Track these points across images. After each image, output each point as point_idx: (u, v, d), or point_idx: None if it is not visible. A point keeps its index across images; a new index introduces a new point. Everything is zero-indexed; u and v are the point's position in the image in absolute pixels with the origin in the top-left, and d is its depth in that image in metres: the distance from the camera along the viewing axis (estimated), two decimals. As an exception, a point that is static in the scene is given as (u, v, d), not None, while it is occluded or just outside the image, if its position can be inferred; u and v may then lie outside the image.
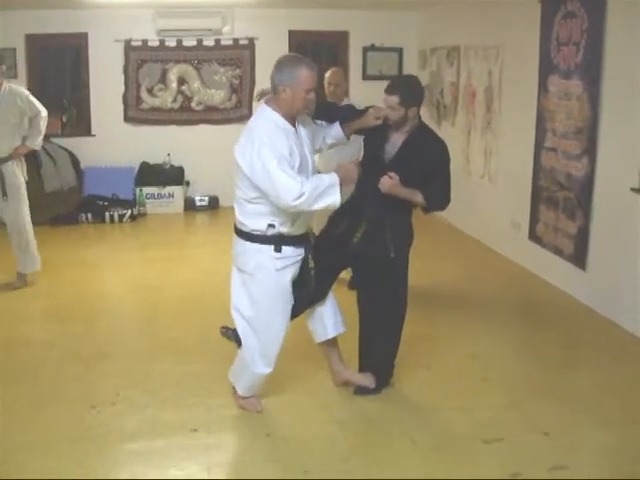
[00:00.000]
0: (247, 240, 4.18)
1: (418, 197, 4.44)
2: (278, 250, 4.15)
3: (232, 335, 4.58)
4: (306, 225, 4.31)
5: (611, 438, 4.24)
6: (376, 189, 4.40)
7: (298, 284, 4.33)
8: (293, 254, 4.23)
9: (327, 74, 6.64)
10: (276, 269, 4.18)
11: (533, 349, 5.66)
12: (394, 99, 4.37)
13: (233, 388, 4.60)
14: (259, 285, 4.21)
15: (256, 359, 4.32)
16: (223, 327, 4.73)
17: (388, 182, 4.36)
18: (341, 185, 4.04)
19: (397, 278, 4.59)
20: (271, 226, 4.10)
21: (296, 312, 4.45)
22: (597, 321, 6.16)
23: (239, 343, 4.44)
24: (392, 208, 4.47)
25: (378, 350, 4.71)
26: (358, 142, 5.20)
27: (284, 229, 4.13)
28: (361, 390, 4.71)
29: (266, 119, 4.07)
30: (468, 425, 4.37)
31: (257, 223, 4.11)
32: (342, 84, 6.74)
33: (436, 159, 4.53)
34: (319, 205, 3.99)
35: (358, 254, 4.54)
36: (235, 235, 4.28)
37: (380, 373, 4.74)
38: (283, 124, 4.07)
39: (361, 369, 4.75)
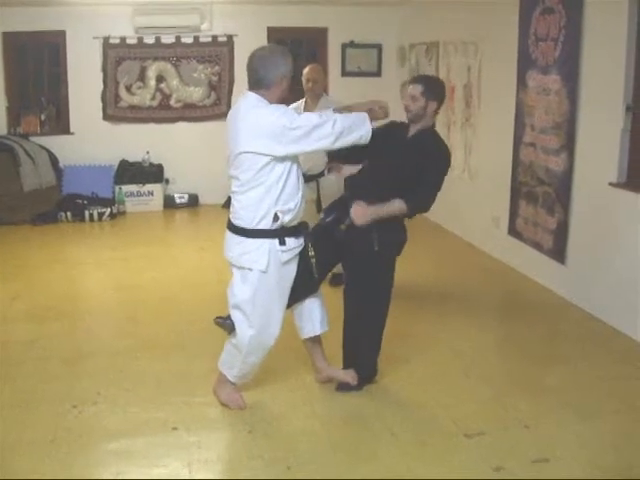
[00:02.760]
0: (252, 237, 4.15)
1: (394, 207, 4.42)
2: (283, 243, 4.18)
3: (229, 324, 4.54)
4: (302, 214, 4.32)
5: (592, 430, 4.26)
6: (362, 188, 4.48)
7: (299, 274, 4.35)
8: (296, 244, 4.27)
9: (305, 70, 6.58)
10: (283, 263, 4.21)
11: (513, 343, 5.69)
12: (418, 87, 4.51)
13: (215, 387, 4.59)
14: (266, 281, 4.19)
15: (252, 350, 4.32)
16: (218, 317, 4.70)
17: (359, 212, 4.41)
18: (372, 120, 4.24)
19: (380, 274, 4.58)
20: (276, 218, 4.11)
21: (289, 304, 4.45)
22: (577, 315, 6.20)
23: (230, 332, 4.43)
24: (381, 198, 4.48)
25: (360, 346, 4.71)
26: None
27: (287, 218, 4.15)
28: (343, 387, 4.71)
29: (262, 104, 4.10)
30: (450, 419, 4.38)
31: (263, 215, 4.10)
32: (321, 80, 6.68)
33: (430, 163, 4.51)
34: (353, 136, 4.13)
35: (345, 244, 4.53)
36: (233, 234, 4.23)
37: (362, 370, 4.74)
38: None
39: (345, 365, 4.76)
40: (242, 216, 4.15)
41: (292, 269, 4.31)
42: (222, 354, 4.53)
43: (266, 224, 4.12)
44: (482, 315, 6.26)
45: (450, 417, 4.41)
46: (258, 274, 4.17)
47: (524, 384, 4.89)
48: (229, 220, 4.27)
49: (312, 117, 4.09)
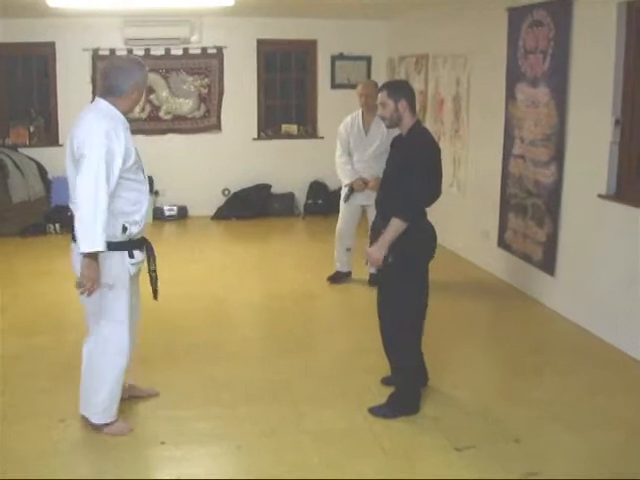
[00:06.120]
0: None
1: (394, 227, 4.42)
2: (132, 256, 4.16)
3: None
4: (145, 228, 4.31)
5: (581, 444, 4.25)
6: (378, 199, 4.69)
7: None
8: (140, 257, 4.26)
9: (359, 87, 7.13)
10: (131, 276, 4.21)
11: (502, 355, 5.68)
12: (383, 94, 4.66)
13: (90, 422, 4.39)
14: (117, 295, 4.15)
15: (116, 354, 4.35)
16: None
17: (372, 255, 4.52)
18: None
19: (393, 286, 4.59)
20: (124, 229, 4.07)
21: None
22: (566, 327, 6.20)
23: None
24: (387, 216, 4.50)
25: (390, 361, 4.74)
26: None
27: (134, 230, 4.13)
28: (375, 410, 4.60)
29: (104, 113, 4.10)
30: (440, 433, 4.36)
31: (112, 226, 3.99)
32: (374, 94, 6.55)
33: (406, 164, 4.51)
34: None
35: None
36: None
37: (396, 394, 4.67)
38: (121, 117, 4.17)
39: None
40: None
41: (136, 282, 4.34)
42: (84, 400, 4.39)
43: (114, 236, 4.02)
44: (471, 327, 6.26)
45: (440, 431, 4.39)
46: (111, 289, 4.12)
47: (513, 396, 4.88)
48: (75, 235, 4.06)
49: (101, 171, 3.88)
